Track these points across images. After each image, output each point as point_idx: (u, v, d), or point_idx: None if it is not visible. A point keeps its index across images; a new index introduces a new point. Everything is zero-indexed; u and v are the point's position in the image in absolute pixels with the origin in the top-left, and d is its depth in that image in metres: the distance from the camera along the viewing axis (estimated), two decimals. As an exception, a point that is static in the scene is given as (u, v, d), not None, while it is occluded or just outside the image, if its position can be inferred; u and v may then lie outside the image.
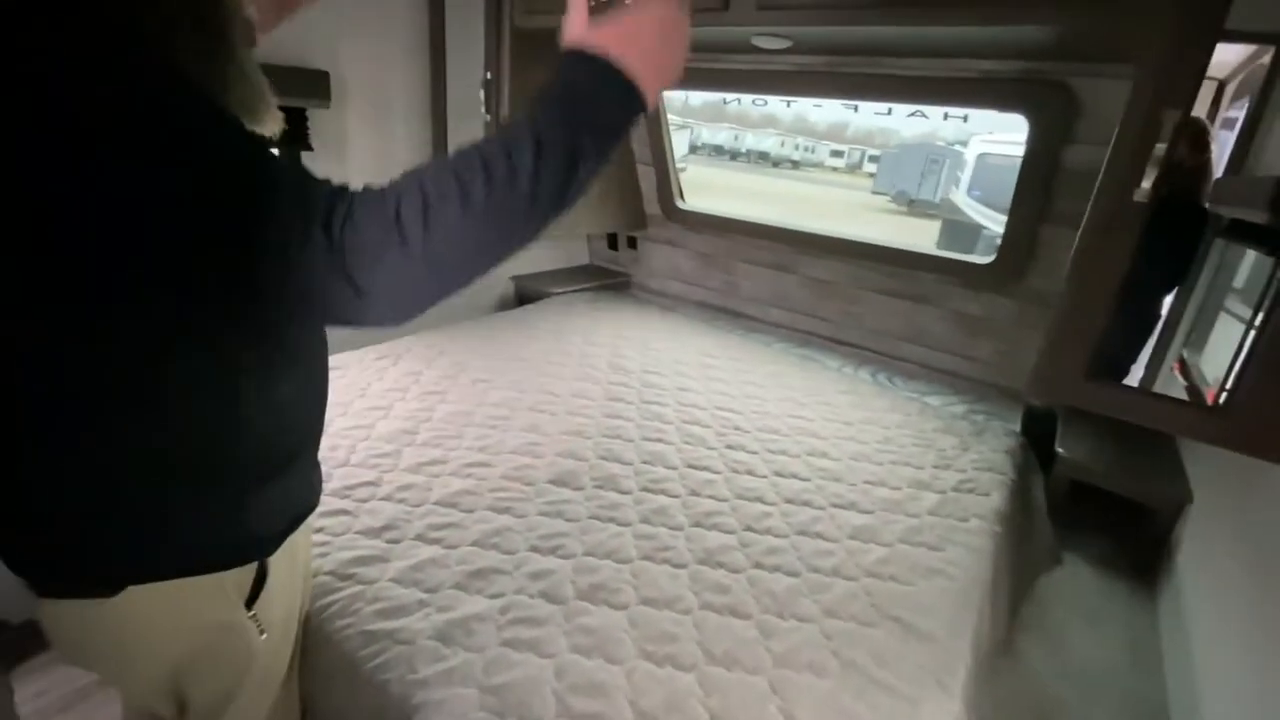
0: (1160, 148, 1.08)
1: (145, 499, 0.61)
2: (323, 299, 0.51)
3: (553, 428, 1.60)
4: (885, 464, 1.60)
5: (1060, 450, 1.78)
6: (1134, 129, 1.11)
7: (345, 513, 1.23)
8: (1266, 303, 1.19)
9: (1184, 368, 1.68)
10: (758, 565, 1.18)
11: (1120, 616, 1.56)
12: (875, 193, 15.80)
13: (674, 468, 1.48)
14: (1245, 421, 1.13)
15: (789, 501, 1.39)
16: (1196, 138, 1.62)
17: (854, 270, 2.35)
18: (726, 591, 1.11)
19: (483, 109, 2.09)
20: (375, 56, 2.08)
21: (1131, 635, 1.50)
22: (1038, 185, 1.77)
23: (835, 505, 1.40)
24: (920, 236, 9.40)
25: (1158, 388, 1.71)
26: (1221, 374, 1.43)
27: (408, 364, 1.91)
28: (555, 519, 1.25)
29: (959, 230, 8.37)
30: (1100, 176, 1.22)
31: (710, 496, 1.39)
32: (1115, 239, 1.17)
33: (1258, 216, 1.16)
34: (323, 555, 1.10)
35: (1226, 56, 1.63)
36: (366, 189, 0.54)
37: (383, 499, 1.28)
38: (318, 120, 1.94)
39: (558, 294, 2.78)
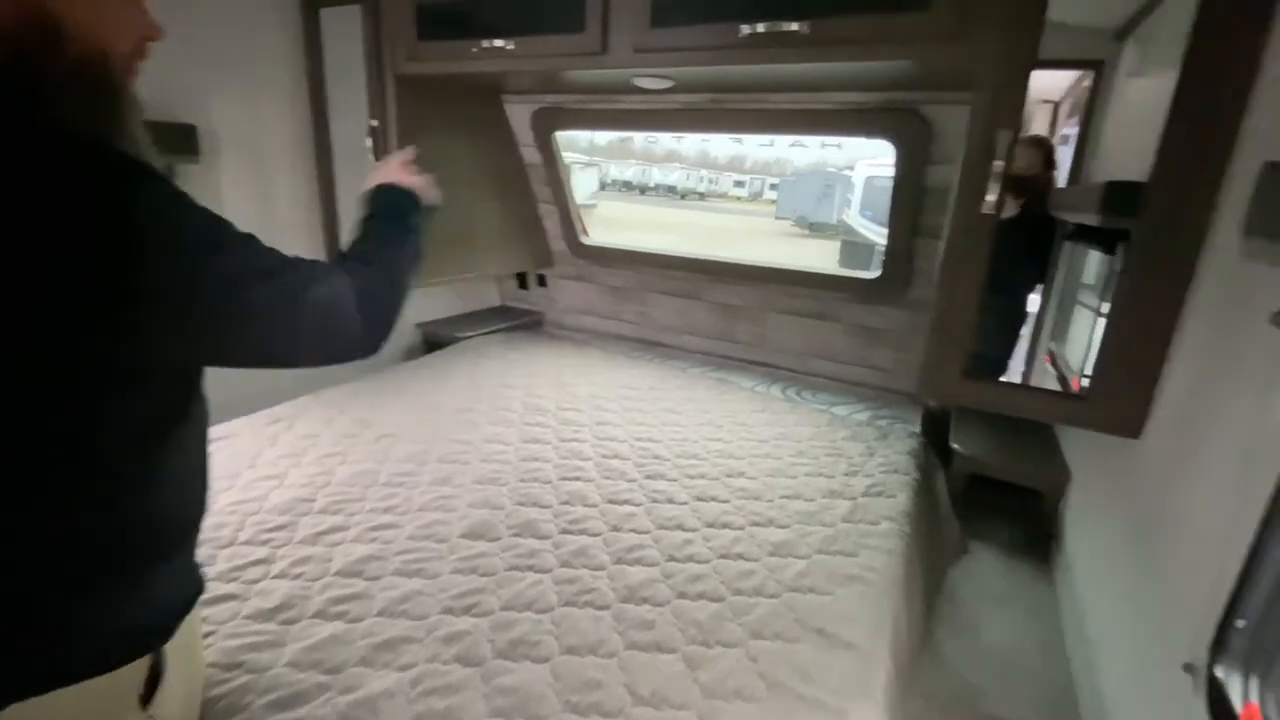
0: (998, 164, 1.20)
1: (29, 597, 0.58)
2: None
3: (466, 477, 1.54)
4: (800, 476, 1.64)
5: (955, 446, 1.90)
6: (975, 149, 1.22)
7: (233, 597, 1.11)
8: (1110, 296, 1.34)
9: (1053, 359, 1.85)
10: (681, 595, 1.17)
11: (1025, 598, 1.66)
12: (778, 218, 16.66)
13: (594, 505, 1.46)
14: (1101, 405, 1.25)
15: (710, 525, 1.40)
16: (1047, 155, 1.83)
17: (759, 293, 2.45)
18: (651, 627, 1.08)
19: (370, 156, 2.04)
20: (250, 108, 1.99)
21: (1037, 616, 1.60)
22: (909, 204, 1.92)
23: (754, 524, 1.42)
24: (824, 255, 9.98)
25: (1034, 380, 1.87)
26: (1081, 361, 1.59)
27: (304, 426, 1.78)
28: (470, 575, 1.19)
29: (856, 249, 8.95)
30: (954, 193, 1.34)
31: (632, 530, 1.37)
32: (971, 247, 1.28)
33: (1092, 220, 1.31)
34: (206, 646, 0.99)
35: (1058, 82, 1.86)
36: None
37: (276, 576, 1.17)
38: (186, 177, 1.82)
39: (468, 337, 2.71)
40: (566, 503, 1.46)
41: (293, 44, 2.06)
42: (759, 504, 1.50)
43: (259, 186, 2.06)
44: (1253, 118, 0.99)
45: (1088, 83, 1.73)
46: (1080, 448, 1.76)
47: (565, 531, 1.35)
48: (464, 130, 2.30)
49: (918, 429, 2.02)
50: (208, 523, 1.23)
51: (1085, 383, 1.40)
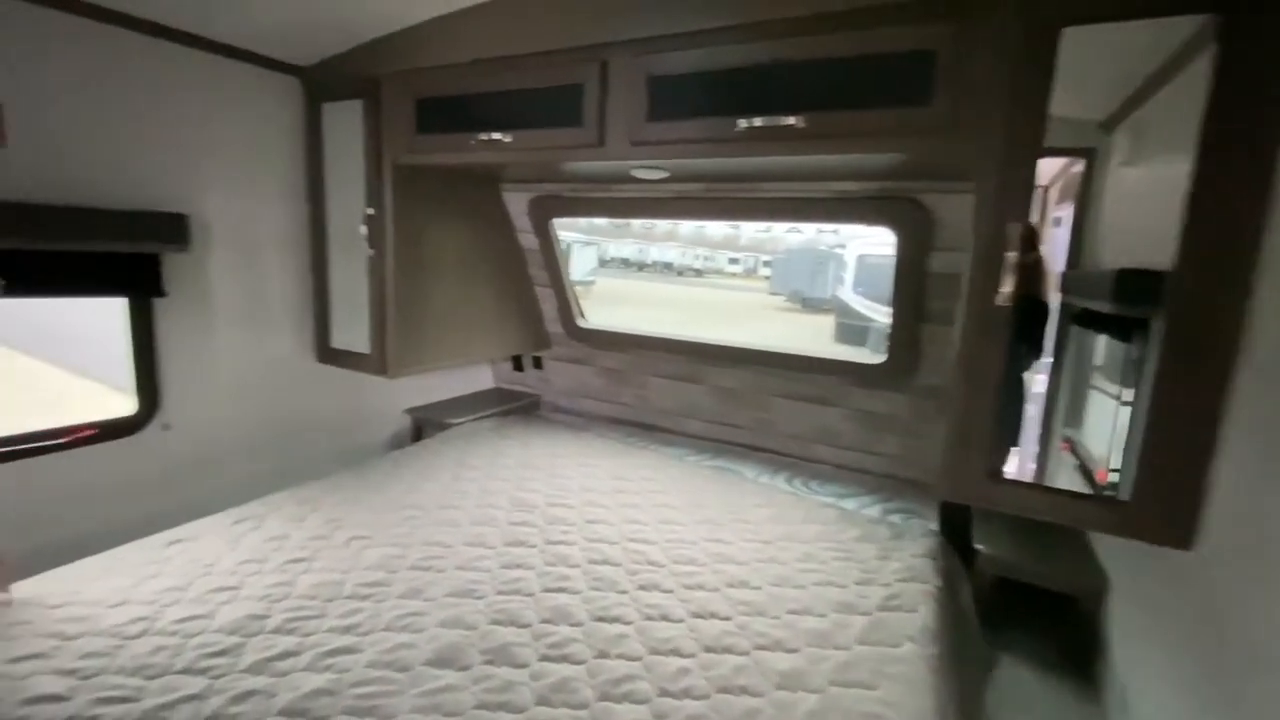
0: (1011, 256, 1.15)
1: None
2: None
3: (439, 589, 1.40)
4: (808, 586, 1.49)
5: (979, 547, 1.75)
6: (984, 242, 1.17)
7: (154, 747, 0.96)
8: (1131, 383, 1.25)
9: (1071, 447, 1.74)
10: (678, 743, 1.01)
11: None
12: (772, 294, 16.94)
13: (579, 624, 1.31)
14: (1145, 514, 1.13)
15: (709, 650, 1.24)
16: (1029, 238, 1.81)
17: (759, 377, 2.37)
18: (642, 788, 0.92)
19: (366, 244, 2.01)
20: (245, 197, 1.98)
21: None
22: (912, 289, 1.87)
23: (760, 647, 1.26)
24: (818, 330, 10.01)
25: (1049, 468, 1.75)
26: (1104, 450, 1.47)
27: (273, 526, 1.65)
28: (430, 715, 1.03)
29: (852, 326, 9.01)
30: (966, 284, 1.28)
31: (621, 656, 1.21)
32: (989, 342, 1.20)
33: (1104, 307, 1.24)
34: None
35: (1046, 166, 1.87)
36: None
37: (209, 717, 1.01)
38: (175, 265, 1.79)
39: (459, 423, 2.61)
40: (548, 621, 1.30)
41: (293, 136, 2.09)
42: (764, 621, 1.35)
43: (250, 275, 2.02)
44: None
45: (1077, 168, 1.73)
46: (1118, 548, 1.62)
47: (545, 658, 1.19)
48: (461, 217, 2.30)
49: (934, 525, 1.88)
50: (143, 646, 1.09)
51: (1113, 476, 1.30)
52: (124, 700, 1.02)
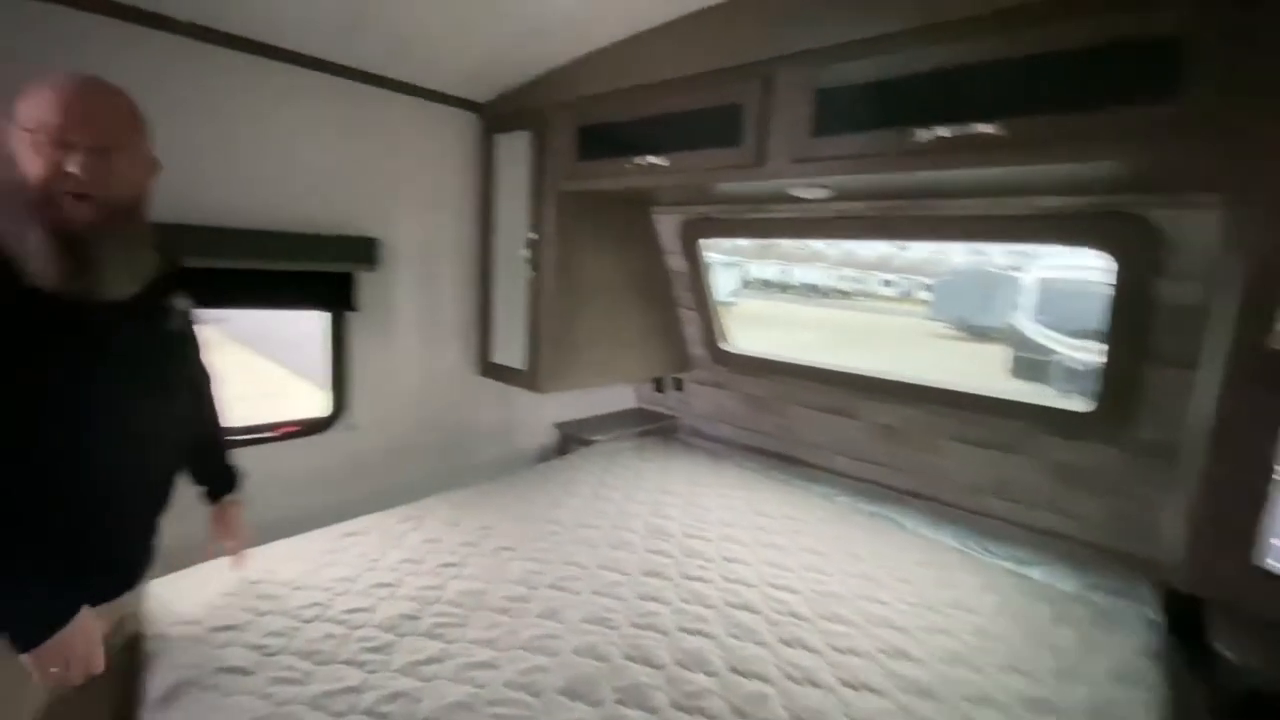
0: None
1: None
2: None
3: (575, 613, 1.38)
4: (988, 671, 1.27)
5: (1223, 651, 1.38)
6: (1255, 269, 0.92)
7: (316, 731, 1.02)
8: None
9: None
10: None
11: None
12: (933, 319, 15.53)
13: (715, 673, 1.21)
14: None
15: (865, 731, 1.09)
16: None
17: (925, 415, 2.11)
18: None
19: (528, 266, 2.12)
20: (424, 221, 2.18)
21: None
22: (1134, 323, 1.55)
23: (927, 739, 1.08)
24: (986, 362, 8.96)
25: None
26: None
27: (431, 528, 1.76)
28: (563, 753, 1.00)
29: (1031, 360, 7.94)
30: (1219, 320, 1.01)
31: (762, 720, 1.10)
32: (1259, 397, 0.94)
33: None
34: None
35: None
36: None
37: (363, 713, 1.07)
38: (365, 283, 2.01)
39: (602, 440, 2.64)
40: (683, 665, 1.23)
41: (468, 165, 2.27)
42: (932, 707, 1.15)
43: (425, 293, 2.22)
44: None
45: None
46: None
47: (679, 706, 1.12)
48: (613, 240, 2.35)
49: (1156, 614, 1.52)
50: (315, 631, 1.19)
51: None
52: (294, 682, 1.12)
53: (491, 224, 2.29)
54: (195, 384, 1.24)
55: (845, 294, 21.62)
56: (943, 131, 1.18)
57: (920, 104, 1.24)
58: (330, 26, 1.66)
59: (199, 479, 1.30)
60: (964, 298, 14.75)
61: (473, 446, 2.48)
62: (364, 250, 1.95)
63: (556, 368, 2.17)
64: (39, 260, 0.84)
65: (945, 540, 1.90)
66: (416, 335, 2.23)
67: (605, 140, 1.89)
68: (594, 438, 2.66)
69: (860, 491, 2.25)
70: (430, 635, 1.28)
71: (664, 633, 1.33)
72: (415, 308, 2.20)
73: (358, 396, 2.09)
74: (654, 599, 1.46)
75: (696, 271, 2.46)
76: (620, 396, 3.13)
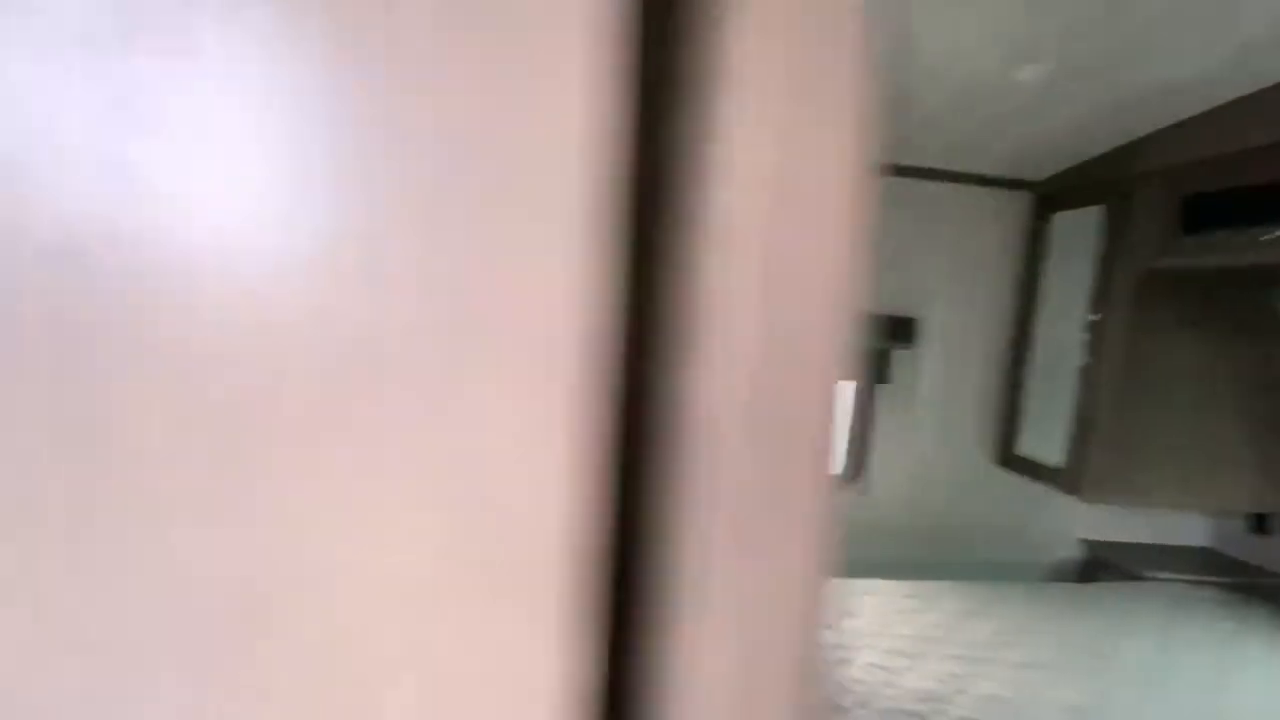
0: None
1: None
2: None
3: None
4: None
5: None
6: None
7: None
8: None
9: None
10: None
11: None
12: None
13: None
14: None
15: None
16: None
17: None
18: None
19: (1084, 354, 1.89)
20: (958, 300, 2.20)
21: None
22: None
23: None
24: None
25: None
26: None
27: (937, 614, 1.71)
28: None
29: None
30: None
31: None
32: None
33: None
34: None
35: None
36: None
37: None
38: (899, 359, 2.15)
39: (1156, 580, 2.06)
40: None
41: (1010, 244, 2.19)
42: None
43: (948, 371, 2.22)
44: None
45: None
46: None
47: None
48: (1208, 328, 1.86)
49: None
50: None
51: None
52: None
53: (1035, 304, 2.13)
54: None
55: None
56: None
57: None
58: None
59: None
60: None
61: (975, 537, 2.30)
62: (904, 330, 2.09)
63: (1109, 472, 1.84)
64: None
65: None
66: (934, 412, 2.24)
67: (1220, 210, 1.56)
68: (1145, 574, 2.09)
69: None
70: (962, 728, 1.24)
71: None
72: (938, 385, 2.22)
73: (874, 463, 2.22)
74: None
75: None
76: (1182, 527, 2.38)
